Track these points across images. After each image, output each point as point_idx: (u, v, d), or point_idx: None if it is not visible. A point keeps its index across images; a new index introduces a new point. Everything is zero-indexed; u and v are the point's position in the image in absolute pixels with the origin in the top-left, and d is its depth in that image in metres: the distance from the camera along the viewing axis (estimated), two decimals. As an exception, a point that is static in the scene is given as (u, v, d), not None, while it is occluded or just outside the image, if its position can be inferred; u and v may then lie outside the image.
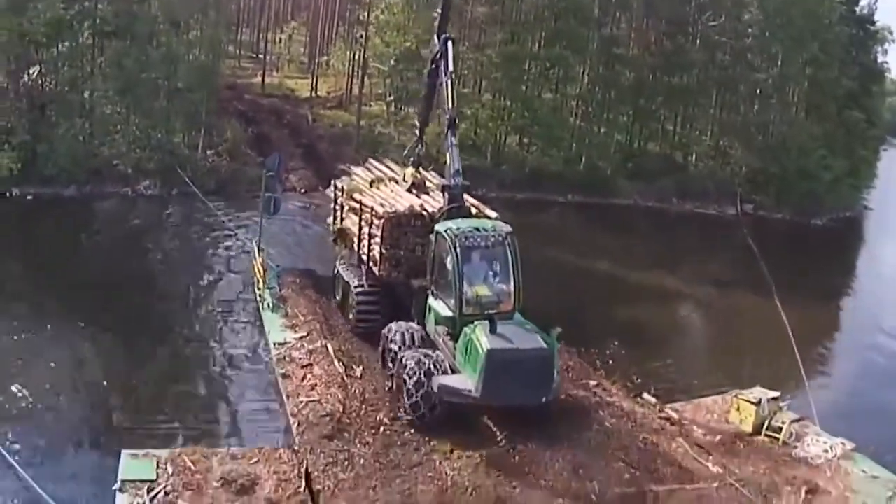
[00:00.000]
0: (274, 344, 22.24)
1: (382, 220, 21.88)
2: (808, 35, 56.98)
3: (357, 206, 24.01)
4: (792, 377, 24.71)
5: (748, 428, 19.64)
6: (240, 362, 22.47)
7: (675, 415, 20.23)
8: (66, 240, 33.17)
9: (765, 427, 19.53)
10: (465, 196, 21.64)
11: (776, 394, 20.24)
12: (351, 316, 23.53)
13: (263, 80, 61.94)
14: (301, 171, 45.48)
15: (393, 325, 19.92)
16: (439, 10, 23.98)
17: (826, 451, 18.99)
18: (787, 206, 55.43)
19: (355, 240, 24.24)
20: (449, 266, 18.67)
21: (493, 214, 22.04)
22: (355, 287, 23.37)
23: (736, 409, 20.00)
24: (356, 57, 54.99)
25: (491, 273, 18.84)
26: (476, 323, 17.61)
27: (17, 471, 15.49)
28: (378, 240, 22.16)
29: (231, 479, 15.23)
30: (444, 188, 21.59)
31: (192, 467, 15.56)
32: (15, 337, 22.15)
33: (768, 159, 56.66)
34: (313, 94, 59.78)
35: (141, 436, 17.34)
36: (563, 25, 52.47)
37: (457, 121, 22.16)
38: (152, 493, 14.53)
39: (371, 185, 24.70)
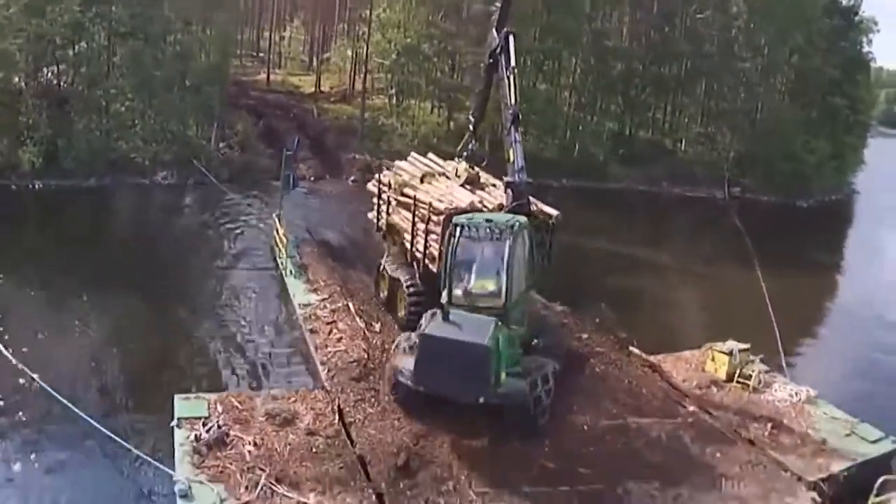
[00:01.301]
0: (299, 305, 24.56)
1: (443, 217, 20.89)
2: (793, 26, 59.73)
3: (410, 201, 23.09)
4: (767, 336, 26.75)
5: (722, 375, 21.89)
6: (268, 322, 24.90)
7: (657, 363, 22.71)
8: (93, 224, 35.93)
9: (737, 375, 21.74)
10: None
11: (747, 346, 22.51)
12: (402, 313, 22.79)
13: (268, 77, 64.36)
14: (310, 160, 47.85)
15: (429, 311, 19.42)
16: (498, 4, 22.86)
17: (791, 395, 21.30)
18: (774, 188, 58.10)
19: (407, 236, 23.43)
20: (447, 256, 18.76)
21: (554, 212, 22.17)
22: (407, 283, 22.68)
23: (711, 360, 22.30)
24: (359, 53, 57.45)
25: (486, 267, 18.64)
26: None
27: (83, 418, 17.39)
28: (436, 236, 21.25)
29: (274, 414, 17.55)
30: (507, 185, 20.77)
31: (239, 406, 17.86)
32: (61, 307, 24.50)
33: (754, 144, 59.48)
34: (317, 90, 62.02)
35: (188, 385, 19.71)
36: (555, 20, 54.93)
37: (520, 116, 21.03)
38: (207, 426, 16.76)
39: (422, 181, 23.65)
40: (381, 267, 24.85)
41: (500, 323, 17.23)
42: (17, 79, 42.44)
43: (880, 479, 16.33)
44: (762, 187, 58.22)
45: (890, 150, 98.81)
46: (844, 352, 29.03)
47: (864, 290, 38.34)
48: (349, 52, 61.26)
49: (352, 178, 47.34)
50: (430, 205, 21.90)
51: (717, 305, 32.45)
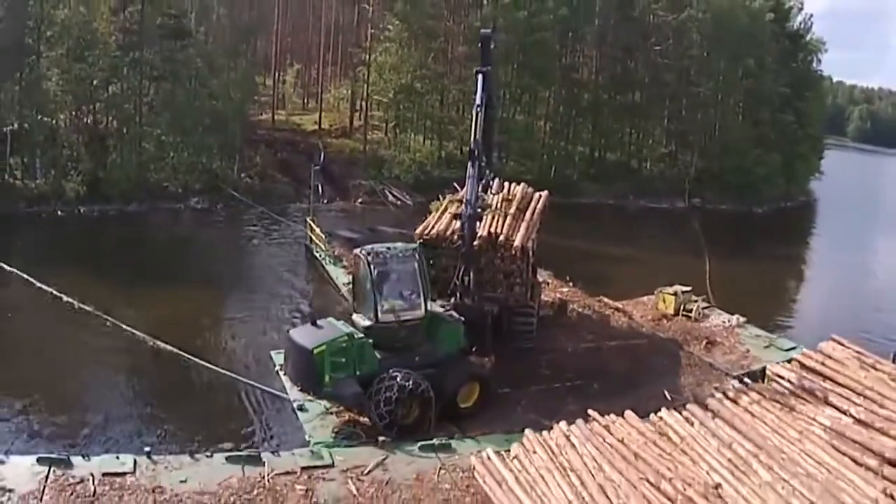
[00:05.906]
0: (343, 284, 30.65)
1: (419, 241, 23.24)
2: (745, 52, 67.85)
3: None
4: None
5: (670, 311, 28.35)
6: (321, 301, 30.91)
7: (620, 306, 29.44)
8: (144, 241, 41.91)
9: (681, 310, 28.24)
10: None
11: (689, 288, 29.25)
12: None
13: (273, 117, 70.82)
14: (322, 187, 54.40)
15: None
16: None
17: (724, 322, 27.82)
18: (730, 198, 65.65)
19: None
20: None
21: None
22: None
23: (662, 301, 28.89)
24: (359, 92, 64.90)
25: (366, 289, 20.08)
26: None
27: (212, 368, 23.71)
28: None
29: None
30: (454, 216, 23.52)
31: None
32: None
33: (711, 159, 67.27)
34: (319, 127, 68.81)
35: (270, 343, 26.01)
36: (529, 59, 62.43)
37: (476, 153, 21.88)
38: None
39: (445, 206, 25.70)
40: None
41: (352, 336, 19.09)
42: (61, 116, 48.74)
43: (765, 365, 21.07)
44: (720, 198, 65.59)
45: (858, 164, 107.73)
46: (768, 299, 38.35)
47: (798, 264, 49.03)
48: (348, 92, 68.54)
49: (359, 200, 54.23)
50: (416, 231, 24.53)
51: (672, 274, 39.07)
